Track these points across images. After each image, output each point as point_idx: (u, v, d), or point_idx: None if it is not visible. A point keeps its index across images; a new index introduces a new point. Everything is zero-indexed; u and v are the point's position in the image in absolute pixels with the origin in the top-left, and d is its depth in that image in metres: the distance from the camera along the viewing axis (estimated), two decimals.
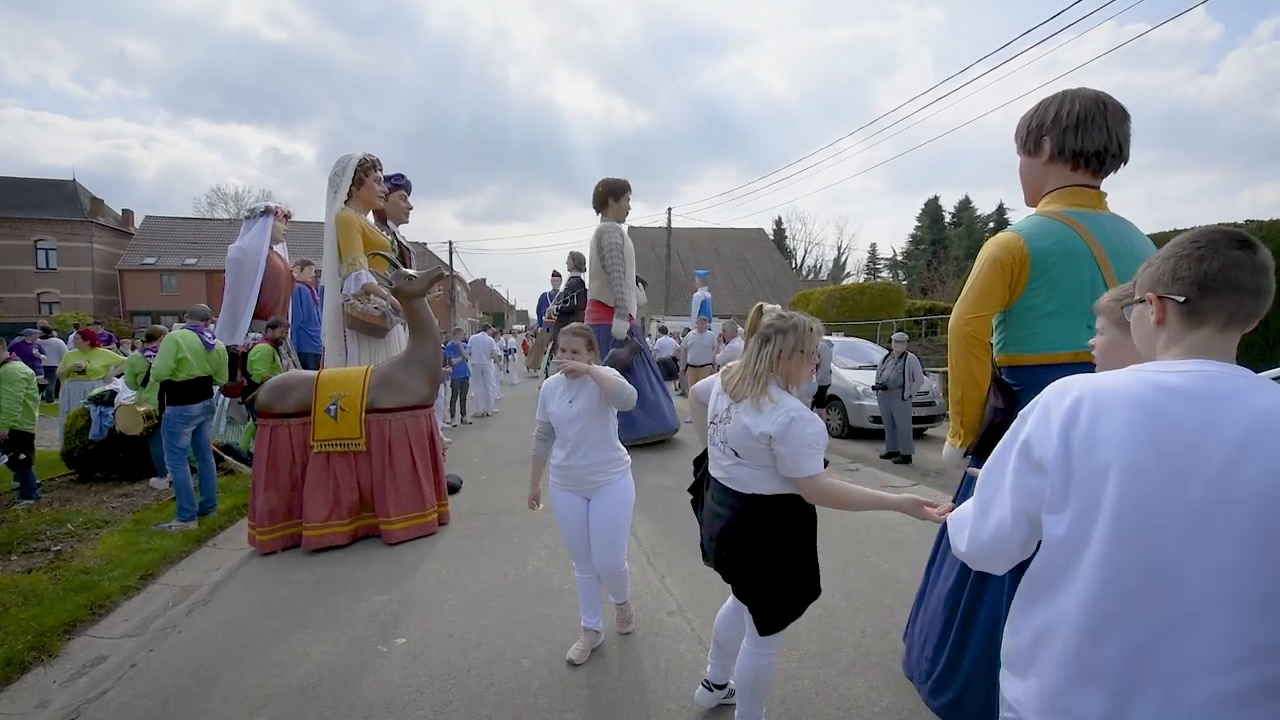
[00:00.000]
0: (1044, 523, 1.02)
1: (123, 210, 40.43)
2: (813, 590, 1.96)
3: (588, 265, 7.59)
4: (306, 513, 4.12)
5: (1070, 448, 0.97)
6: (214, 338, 5.24)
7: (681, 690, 2.47)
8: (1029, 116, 2.14)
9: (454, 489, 5.35)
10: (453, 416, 9.91)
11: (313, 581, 3.64)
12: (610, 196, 7.40)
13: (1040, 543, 1.05)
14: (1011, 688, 1.10)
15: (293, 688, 2.54)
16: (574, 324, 2.75)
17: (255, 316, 7.13)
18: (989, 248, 2.07)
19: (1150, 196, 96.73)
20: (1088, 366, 2.05)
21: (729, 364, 2.07)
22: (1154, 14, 49.64)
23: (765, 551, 1.89)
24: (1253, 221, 7.76)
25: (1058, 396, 1.03)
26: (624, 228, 7.46)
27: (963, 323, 2.07)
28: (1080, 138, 2.03)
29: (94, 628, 3.19)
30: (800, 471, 1.79)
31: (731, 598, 2.15)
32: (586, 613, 2.77)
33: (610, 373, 2.51)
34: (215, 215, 41.67)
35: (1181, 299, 1.01)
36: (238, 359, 5.68)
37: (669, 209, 26.06)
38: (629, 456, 2.75)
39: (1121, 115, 2.04)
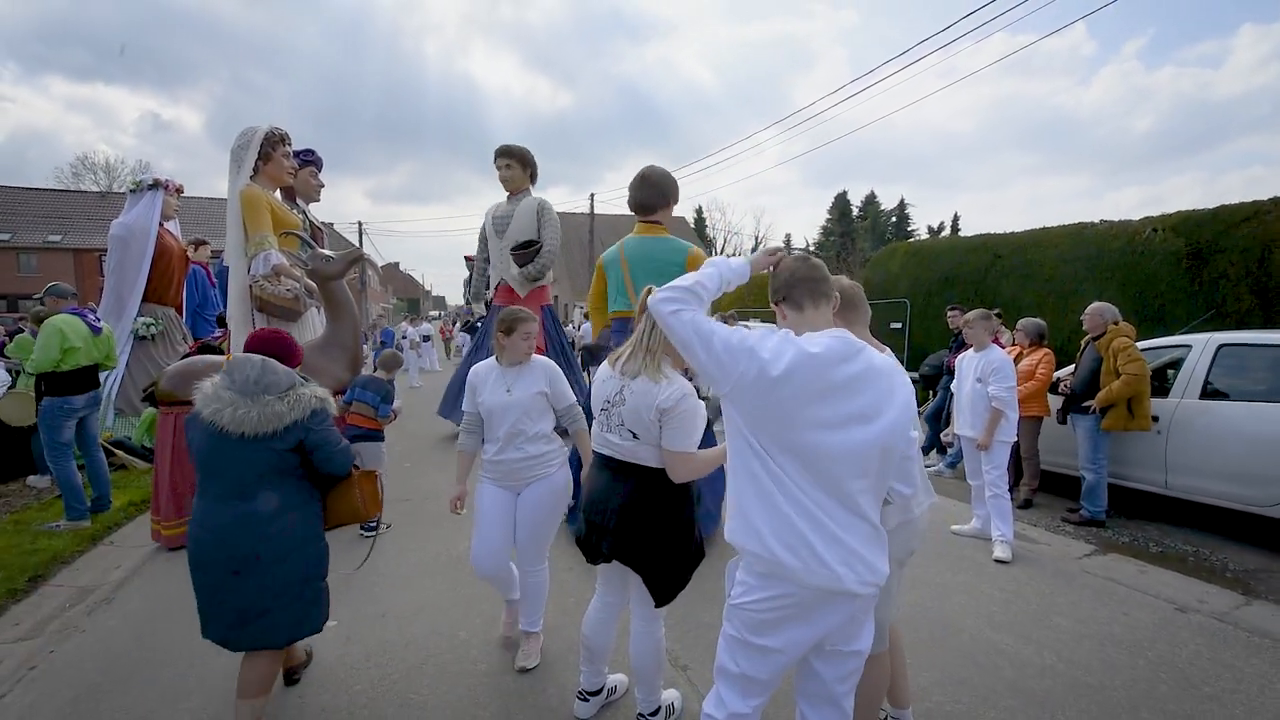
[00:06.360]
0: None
1: None
2: (699, 554, 2.02)
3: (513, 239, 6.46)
4: None
5: None
6: (99, 320, 4.83)
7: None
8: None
9: None
10: None
11: None
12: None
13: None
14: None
15: (218, 675, 2.48)
16: (518, 308, 2.50)
17: (145, 300, 6.60)
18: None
19: (1032, 196, 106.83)
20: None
21: (617, 349, 2.06)
22: (1042, 26, 55.03)
23: (665, 521, 1.93)
24: (1106, 221, 8.83)
25: None
26: None
27: None
28: None
29: None
30: (682, 446, 1.85)
31: (594, 605, 2.18)
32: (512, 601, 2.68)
33: None
34: (83, 187, 37.07)
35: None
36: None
37: (592, 195, 26.02)
38: (566, 447, 2.62)
39: (637, 182, 3.80)
